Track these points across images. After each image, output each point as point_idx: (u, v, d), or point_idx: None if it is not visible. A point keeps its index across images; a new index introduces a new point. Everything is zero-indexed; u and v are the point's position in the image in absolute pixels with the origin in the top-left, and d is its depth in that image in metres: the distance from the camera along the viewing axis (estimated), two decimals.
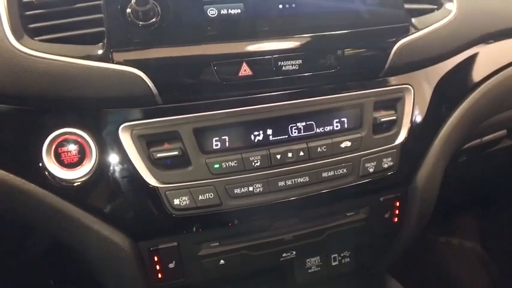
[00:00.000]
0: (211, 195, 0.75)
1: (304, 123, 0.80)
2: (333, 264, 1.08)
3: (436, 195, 0.97)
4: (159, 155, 0.73)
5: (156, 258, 0.79)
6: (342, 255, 1.08)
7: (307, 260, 1.06)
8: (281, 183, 0.79)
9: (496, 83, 1.02)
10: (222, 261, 0.83)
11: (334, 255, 1.08)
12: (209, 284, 1.06)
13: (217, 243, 0.83)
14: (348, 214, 0.91)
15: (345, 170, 0.82)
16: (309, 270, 1.06)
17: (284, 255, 0.88)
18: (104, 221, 0.75)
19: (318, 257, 1.06)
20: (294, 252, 0.89)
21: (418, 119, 0.89)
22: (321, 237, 0.89)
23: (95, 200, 0.74)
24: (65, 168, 0.72)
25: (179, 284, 0.84)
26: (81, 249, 0.77)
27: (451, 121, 0.93)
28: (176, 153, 0.73)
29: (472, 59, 0.99)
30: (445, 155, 0.95)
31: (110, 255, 0.76)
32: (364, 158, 0.83)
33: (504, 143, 1.30)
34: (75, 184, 0.72)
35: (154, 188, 0.73)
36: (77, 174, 0.72)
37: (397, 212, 0.94)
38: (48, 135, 0.71)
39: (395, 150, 0.86)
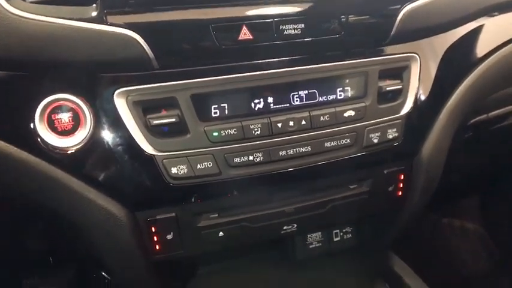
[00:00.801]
0: (209, 164, 0.73)
1: (306, 92, 0.77)
2: (335, 240, 1.06)
3: (441, 170, 0.94)
4: (155, 122, 0.70)
5: (153, 229, 0.77)
6: (344, 231, 1.07)
7: (308, 236, 1.04)
8: (282, 153, 0.76)
9: (504, 56, 0.99)
10: (221, 233, 0.81)
11: (335, 231, 1.06)
12: (208, 258, 1.05)
13: (217, 215, 0.81)
14: (351, 187, 0.88)
15: (348, 141, 0.80)
16: (310, 246, 1.05)
17: (285, 228, 0.86)
18: (99, 191, 0.72)
19: (319, 233, 1.05)
20: (295, 225, 0.87)
21: (424, 89, 0.86)
22: (323, 210, 0.87)
23: (89, 169, 0.71)
24: (58, 136, 0.70)
25: (177, 257, 0.82)
26: (76, 220, 0.75)
27: (457, 93, 0.90)
28: (173, 120, 0.71)
29: (478, 30, 0.95)
30: (451, 127, 0.92)
31: (106, 226, 0.74)
32: (368, 128, 0.81)
33: (510, 120, 1.27)
34: (69, 152, 0.70)
35: (151, 156, 0.71)
36: (71, 142, 0.70)
37: (401, 185, 0.92)
38: (41, 101, 0.68)
39: (400, 120, 0.83)
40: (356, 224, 1.09)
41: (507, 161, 1.56)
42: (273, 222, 0.84)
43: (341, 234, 1.07)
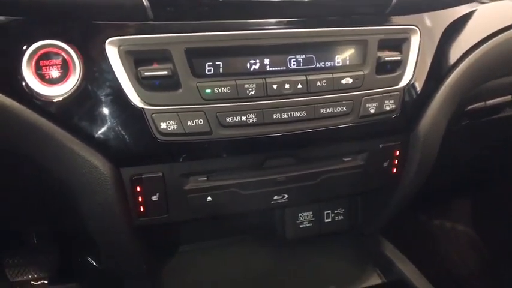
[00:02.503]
0: (201, 121, 0.70)
1: (304, 56, 0.75)
2: (326, 221, 1.04)
3: (437, 149, 0.92)
4: (147, 73, 0.68)
5: (138, 189, 0.74)
6: (336, 212, 1.04)
7: (299, 215, 1.02)
8: (276, 116, 0.74)
9: (505, 40, 0.97)
10: (209, 198, 0.79)
11: (327, 212, 1.04)
12: (193, 233, 1.02)
13: (205, 178, 0.78)
14: (345, 159, 0.86)
15: (344, 108, 0.78)
16: (300, 226, 1.02)
17: (275, 198, 0.84)
18: (84, 142, 0.69)
19: (310, 212, 1.02)
20: (286, 196, 0.84)
21: (424, 63, 0.84)
22: (315, 181, 0.84)
23: (75, 119, 0.69)
24: (45, 84, 0.67)
25: (163, 221, 0.79)
26: (60, 174, 0.72)
27: (457, 71, 0.89)
28: (165, 73, 0.68)
29: (481, 12, 0.95)
30: (449, 106, 0.90)
31: (89, 181, 0.70)
32: (365, 97, 0.79)
33: (506, 112, 1.26)
34: (55, 101, 0.67)
35: (140, 110, 0.68)
36: (58, 91, 0.67)
37: (396, 161, 0.90)
38: (30, 46, 0.65)
39: (398, 93, 0.81)
40: (348, 206, 1.06)
41: (500, 156, 1.55)
42: (263, 191, 0.82)
43: (332, 215, 1.05)
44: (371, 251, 1.08)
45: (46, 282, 1.28)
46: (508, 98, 1.18)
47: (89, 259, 1.22)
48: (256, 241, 1.11)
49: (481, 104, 1.15)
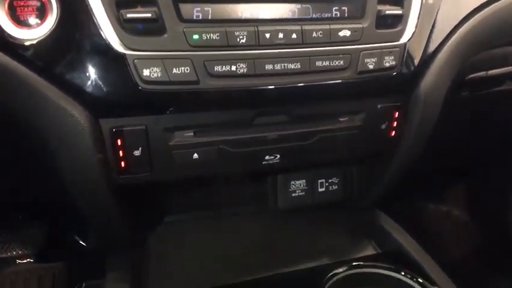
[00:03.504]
0: (187, 69, 0.65)
1: (299, 6, 0.70)
2: (319, 190, 1.00)
3: (437, 114, 0.88)
4: (129, 15, 0.62)
5: (119, 142, 0.69)
6: (330, 181, 1.00)
7: (292, 183, 0.97)
8: (268, 67, 0.69)
9: (506, 6, 0.93)
10: (195, 155, 0.74)
11: (320, 181, 0.99)
12: (183, 196, 0.98)
13: (192, 133, 0.73)
14: (341, 119, 0.82)
15: (341, 62, 0.73)
16: (293, 194, 0.98)
17: (267, 158, 0.79)
18: (60, 89, 0.64)
19: (304, 180, 0.98)
20: (278, 156, 0.79)
21: (426, 20, 0.80)
22: (309, 141, 0.80)
23: (50, 64, 0.63)
24: (20, 26, 0.62)
25: (146, 179, 0.74)
26: (35, 124, 0.67)
27: (460, 31, 0.85)
28: (149, 15, 0.63)
29: None
30: (451, 68, 0.86)
31: (66, 132, 0.65)
32: (364, 52, 0.74)
33: (507, 85, 1.22)
34: (29, 44, 0.62)
35: (122, 55, 0.63)
36: (33, 34, 0.62)
37: (395, 124, 0.85)
38: None
39: (398, 49, 0.77)
40: (343, 175, 1.02)
41: (499, 139, 1.51)
42: (254, 149, 0.77)
43: (326, 184, 1.01)
44: (366, 223, 1.04)
45: (32, 261, 1.24)
46: (510, 68, 1.14)
47: (76, 238, 1.21)
48: (247, 213, 1.06)
49: (482, 74, 1.10)
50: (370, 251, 0.98)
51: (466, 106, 1.22)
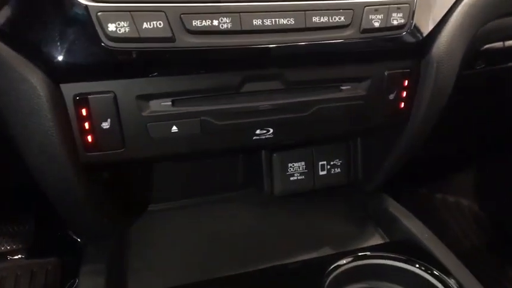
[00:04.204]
0: (160, 24, 0.55)
1: None
2: (321, 173, 0.89)
3: (452, 83, 0.77)
4: None
5: (84, 112, 0.59)
6: (332, 163, 0.90)
7: (289, 165, 0.87)
8: (257, 22, 0.59)
9: None
10: (174, 128, 0.64)
11: (322, 163, 0.89)
12: (166, 180, 0.88)
13: (169, 102, 0.63)
14: (343, 88, 0.71)
15: (342, 19, 0.63)
16: (291, 178, 0.87)
17: (258, 132, 0.69)
18: (11, 47, 0.54)
19: (303, 162, 0.87)
20: (271, 131, 0.69)
21: None
22: (306, 113, 0.69)
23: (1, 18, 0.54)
24: None
25: (117, 158, 0.63)
26: None
27: None
28: None
29: None
30: (466, 32, 0.76)
31: (20, 99, 0.55)
32: (368, 7, 0.64)
33: None
34: None
35: (83, 6, 0.53)
36: None
37: (404, 94, 0.75)
38: None
39: (408, 5, 0.67)
40: (346, 156, 0.92)
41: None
42: (242, 122, 0.67)
43: (328, 167, 0.90)
44: (371, 209, 0.93)
45: (23, 256, 1.18)
46: None
47: (69, 232, 1.11)
48: (239, 199, 0.96)
49: (498, 45, 1.01)
50: (377, 240, 0.88)
51: (479, 82, 1.12)
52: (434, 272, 0.70)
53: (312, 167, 0.89)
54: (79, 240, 1.13)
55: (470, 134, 1.55)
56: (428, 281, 0.69)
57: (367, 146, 0.92)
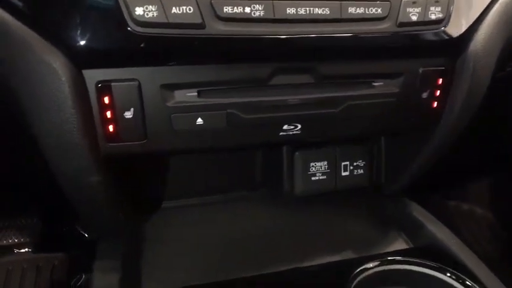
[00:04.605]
0: (190, 9, 0.52)
1: None
2: (343, 174, 0.86)
3: (487, 83, 0.73)
4: None
5: (106, 100, 0.56)
6: (355, 164, 0.86)
7: (311, 164, 0.84)
8: (290, 11, 0.56)
9: None
10: (199, 121, 0.61)
11: (344, 163, 0.86)
12: (183, 178, 0.85)
13: (195, 93, 0.60)
14: (375, 84, 0.68)
15: (379, 11, 0.60)
16: (313, 178, 0.84)
17: (285, 128, 0.66)
18: (34, 30, 0.51)
19: (325, 162, 0.84)
20: (299, 127, 0.66)
21: None
22: (336, 109, 0.66)
23: (24, 3, 0.51)
24: None
25: (139, 150, 0.61)
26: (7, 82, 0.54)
27: None
28: None
29: None
30: (504, 30, 0.72)
31: (42, 85, 0.53)
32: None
33: None
34: None
35: None
36: None
37: (437, 93, 0.71)
38: None
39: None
40: (370, 157, 0.88)
41: None
42: (270, 116, 0.64)
43: (351, 167, 0.87)
44: (394, 212, 0.90)
45: (30, 250, 1.15)
46: None
47: (77, 227, 1.10)
48: (257, 198, 0.93)
49: None
50: (400, 245, 0.84)
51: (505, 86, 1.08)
52: (467, 283, 0.66)
53: (334, 167, 0.86)
54: (86, 235, 1.12)
55: (488, 141, 1.51)
56: None
57: (392, 147, 0.89)
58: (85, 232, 1.14)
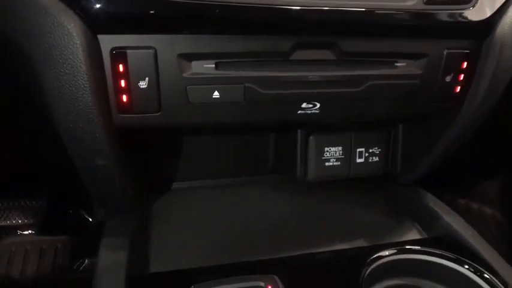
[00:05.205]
0: None
1: None
2: (358, 161, 0.83)
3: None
4: None
5: (121, 68, 0.54)
6: (371, 151, 0.84)
7: (326, 149, 0.81)
8: None
9: None
10: (216, 94, 0.58)
11: (360, 150, 0.83)
12: (193, 160, 0.83)
13: (213, 65, 0.58)
14: (398, 64, 0.66)
15: None
16: (326, 163, 0.82)
17: (304, 106, 0.63)
18: None
19: (340, 148, 0.82)
20: (318, 106, 0.64)
21: None
22: (357, 89, 0.64)
23: None
24: None
25: (152, 122, 0.59)
26: (18, 39, 0.52)
27: None
28: None
29: None
30: None
31: (56, 48, 0.51)
32: None
33: None
34: None
35: None
36: None
37: (461, 77, 0.69)
38: None
39: None
40: (386, 144, 0.86)
41: None
42: (289, 92, 0.61)
43: (366, 154, 0.84)
44: (408, 202, 0.88)
45: (33, 232, 1.16)
46: None
47: (82, 211, 1.12)
48: (268, 183, 0.90)
49: None
50: (414, 235, 0.82)
51: None
52: (485, 275, 0.64)
53: (349, 153, 0.83)
54: (91, 220, 1.10)
55: (499, 140, 1.48)
56: (477, 283, 0.63)
57: (410, 134, 0.86)
58: (89, 217, 1.13)
